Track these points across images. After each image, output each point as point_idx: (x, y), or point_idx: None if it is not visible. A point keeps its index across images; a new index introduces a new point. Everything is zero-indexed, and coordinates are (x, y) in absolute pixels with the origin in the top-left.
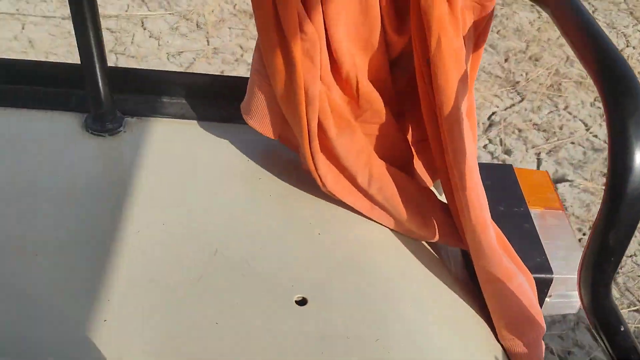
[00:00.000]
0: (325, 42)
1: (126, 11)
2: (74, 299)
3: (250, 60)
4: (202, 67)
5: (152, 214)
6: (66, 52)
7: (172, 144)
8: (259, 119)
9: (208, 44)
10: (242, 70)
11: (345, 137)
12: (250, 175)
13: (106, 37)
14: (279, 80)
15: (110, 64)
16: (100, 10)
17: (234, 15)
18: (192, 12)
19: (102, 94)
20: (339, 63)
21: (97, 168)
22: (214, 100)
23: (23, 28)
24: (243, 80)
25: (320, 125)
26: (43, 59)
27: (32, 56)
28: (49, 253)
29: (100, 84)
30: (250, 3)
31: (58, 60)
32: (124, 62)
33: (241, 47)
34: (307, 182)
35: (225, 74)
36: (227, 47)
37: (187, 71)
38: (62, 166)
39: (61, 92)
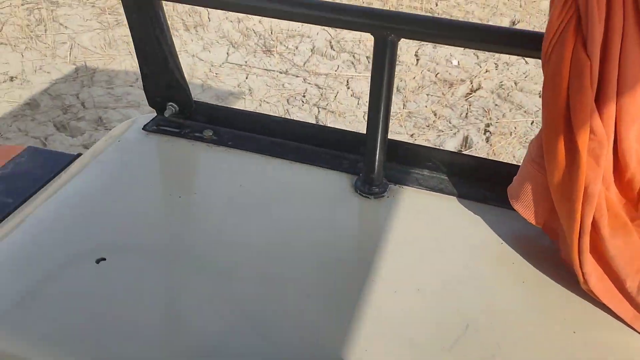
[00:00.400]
0: (612, 143)
1: (335, 70)
2: (332, 340)
3: (441, 127)
4: (392, 129)
5: (407, 278)
6: (276, 101)
7: (430, 215)
8: (527, 205)
9: (404, 107)
10: (432, 137)
11: (619, 239)
12: (505, 258)
13: (313, 92)
14: (557, 173)
15: (311, 116)
16: (312, 69)
17: (434, 83)
18: (395, 77)
19: (377, 161)
20: (623, 164)
21: (360, 226)
22: (474, 180)
23: (246, 78)
24: (505, 166)
25: (593, 223)
26: (257, 106)
27: (248, 101)
28: (313, 295)
29: (377, 152)
30: (452, 73)
31: (270, 109)
32: (323, 116)
33: (435, 114)
34: (564, 275)
35: (415, 137)
36: (420, 112)
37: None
38: (331, 218)
39: (337, 155)
